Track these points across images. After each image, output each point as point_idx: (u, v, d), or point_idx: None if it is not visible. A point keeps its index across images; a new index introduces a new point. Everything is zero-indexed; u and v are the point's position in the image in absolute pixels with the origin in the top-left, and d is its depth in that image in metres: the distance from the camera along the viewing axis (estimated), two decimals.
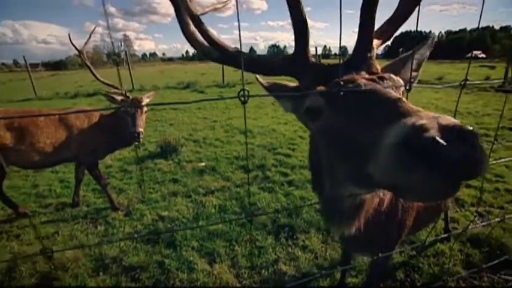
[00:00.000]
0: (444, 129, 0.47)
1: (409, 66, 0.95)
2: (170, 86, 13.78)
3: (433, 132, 0.46)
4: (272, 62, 0.93)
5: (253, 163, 4.15)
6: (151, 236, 2.58)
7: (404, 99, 0.66)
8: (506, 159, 1.28)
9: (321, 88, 0.77)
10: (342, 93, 0.70)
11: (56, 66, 59.42)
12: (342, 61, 0.80)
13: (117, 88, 3.03)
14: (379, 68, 0.86)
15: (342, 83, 0.72)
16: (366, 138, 0.61)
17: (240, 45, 0.84)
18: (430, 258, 2.23)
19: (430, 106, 7.84)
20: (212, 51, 0.97)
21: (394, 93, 0.68)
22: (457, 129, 0.47)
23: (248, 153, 4.51)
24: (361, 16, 0.79)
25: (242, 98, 0.62)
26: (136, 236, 2.62)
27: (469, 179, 0.50)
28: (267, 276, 2.09)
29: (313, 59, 0.88)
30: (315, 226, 2.58)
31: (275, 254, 2.28)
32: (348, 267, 1.97)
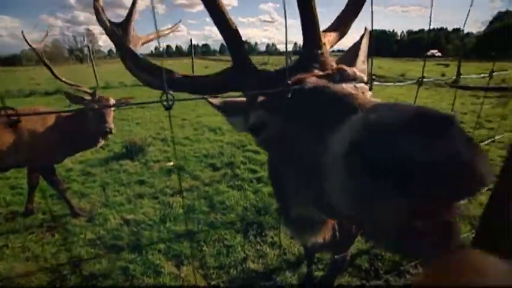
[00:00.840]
0: (415, 120, 0.31)
1: (359, 59, 0.94)
2: (139, 83, 13.11)
3: (397, 127, 0.32)
4: (213, 79, 0.83)
5: (222, 161, 4.10)
6: (115, 242, 2.46)
7: (360, 93, 0.60)
8: None
9: (261, 98, 0.69)
10: (289, 95, 0.61)
11: (8, 61, 54.29)
12: (290, 60, 0.75)
13: (79, 86, 2.82)
14: (334, 64, 0.75)
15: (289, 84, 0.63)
16: (313, 148, 0.51)
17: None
18: None
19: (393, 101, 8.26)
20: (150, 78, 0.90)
21: (346, 88, 0.59)
22: (434, 117, 0.31)
23: (217, 151, 4.45)
24: (300, 12, 0.71)
25: (165, 103, 0.55)
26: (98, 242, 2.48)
27: (463, 198, 0.32)
28: (236, 275, 2.07)
29: (256, 67, 0.80)
30: (283, 223, 2.59)
31: (244, 252, 2.27)
32: (312, 261, 2.01)
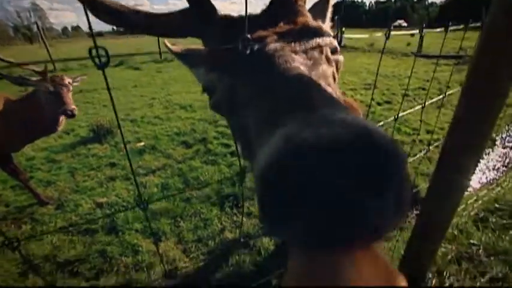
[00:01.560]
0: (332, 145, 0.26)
1: (327, 19, 0.84)
2: None
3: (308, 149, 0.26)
4: (172, 18, 0.68)
5: (194, 138, 4.05)
6: (89, 226, 2.40)
7: (321, 67, 0.52)
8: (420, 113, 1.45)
9: (211, 54, 0.60)
10: (247, 52, 0.51)
11: None
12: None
13: (25, 65, 2.53)
14: (309, 18, 0.63)
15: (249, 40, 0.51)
16: (253, 135, 0.45)
17: None
18: None
19: (363, 71, 8.47)
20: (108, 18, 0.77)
21: (302, 63, 0.50)
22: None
23: (189, 128, 4.37)
24: None
25: (97, 60, 0.43)
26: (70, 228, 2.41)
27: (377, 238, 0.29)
28: (214, 246, 2.13)
29: (216, 10, 0.65)
30: None
31: (221, 223, 2.33)
32: None
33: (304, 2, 0.67)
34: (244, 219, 2.35)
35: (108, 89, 0.50)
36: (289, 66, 0.48)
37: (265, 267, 1.91)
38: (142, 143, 3.97)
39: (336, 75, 0.63)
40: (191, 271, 1.97)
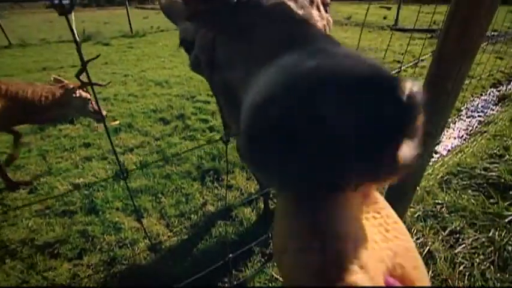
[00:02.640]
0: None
1: None
2: (65, 39, 11.20)
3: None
4: None
5: (171, 114, 3.96)
6: (66, 207, 2.35)
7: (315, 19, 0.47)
8: None
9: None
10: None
11: None
12: None
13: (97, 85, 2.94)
14: None
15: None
16: (238, 82, 0.41)
17: None
18: None
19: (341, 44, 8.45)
20: None
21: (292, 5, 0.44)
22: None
23: (166, 105, 4.25)
24: None
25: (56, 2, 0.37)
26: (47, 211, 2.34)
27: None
28: (197, 220, 2.17)
29: None
30: (239, 166, 2.71)
31: (202, 198, 2.36)
32: (268, 196, 2.18)
33: None
34: (225, 192, 2.40)
35: (74, 35, 0.45)
36: (278, 8, 0.42)
37: (247, 237, 1.99)
38: (117, 122, 3.82)
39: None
40: (175, 244, 2.01)
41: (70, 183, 2.65)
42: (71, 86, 2.65)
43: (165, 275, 1.78)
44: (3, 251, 2.01)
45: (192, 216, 2.20)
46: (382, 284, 0.26)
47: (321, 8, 0.54)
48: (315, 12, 0.50)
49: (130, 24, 12.00)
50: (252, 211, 2.23)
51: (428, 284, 0.31)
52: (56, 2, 0.37)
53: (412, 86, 0.22)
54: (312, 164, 0.22)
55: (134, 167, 2.80)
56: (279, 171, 0.24)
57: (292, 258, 0.26)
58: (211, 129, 3.50)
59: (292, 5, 0.45)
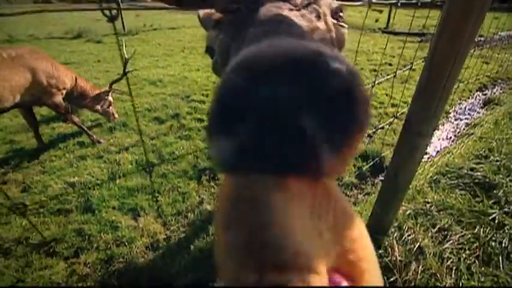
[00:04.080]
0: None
1: None
2: (55, 36, 10.96)
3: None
4: None
5: (166, 113, 3.97)
6: (62, 206, 2.34)
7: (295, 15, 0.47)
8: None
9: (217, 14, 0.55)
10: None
11: None
12: None
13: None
14: None
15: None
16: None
17: None
18: None
19: None
20: None
21: (290, 14, 0.45)
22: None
23: (160, 104, 4.24)
24: None
25: (107, 12, 0.37)
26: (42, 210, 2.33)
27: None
28: (193, 218, 2.20)
29: None
30: None
31: (199, 196, 2.39)
32: None
33: None
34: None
35: (121, 47, 0.47)
36: (274, 17, 0.44)
37: None
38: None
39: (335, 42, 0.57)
40: (172, 243, 2.03)
41: (65, 182, 2.64)
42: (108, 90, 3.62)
43: (162, 274, 1.81)
44: None
45: (189, 214, 2.22)
46: (327, 284, 0.23)
47: (328, 19, 0.56)
48: (320, 24, 0.52)
49: (123, 22, 11.85)
50: None
51: (378, 273, 0.28)
52: (105, 8, 0.39)
53: (340, 65, 0.23)
54: (250, 142, 0.23)
55: (130, 166, 2.80)
56: (221, 151, 0.25)
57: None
58: None
59: (291, 13, 0.47)
